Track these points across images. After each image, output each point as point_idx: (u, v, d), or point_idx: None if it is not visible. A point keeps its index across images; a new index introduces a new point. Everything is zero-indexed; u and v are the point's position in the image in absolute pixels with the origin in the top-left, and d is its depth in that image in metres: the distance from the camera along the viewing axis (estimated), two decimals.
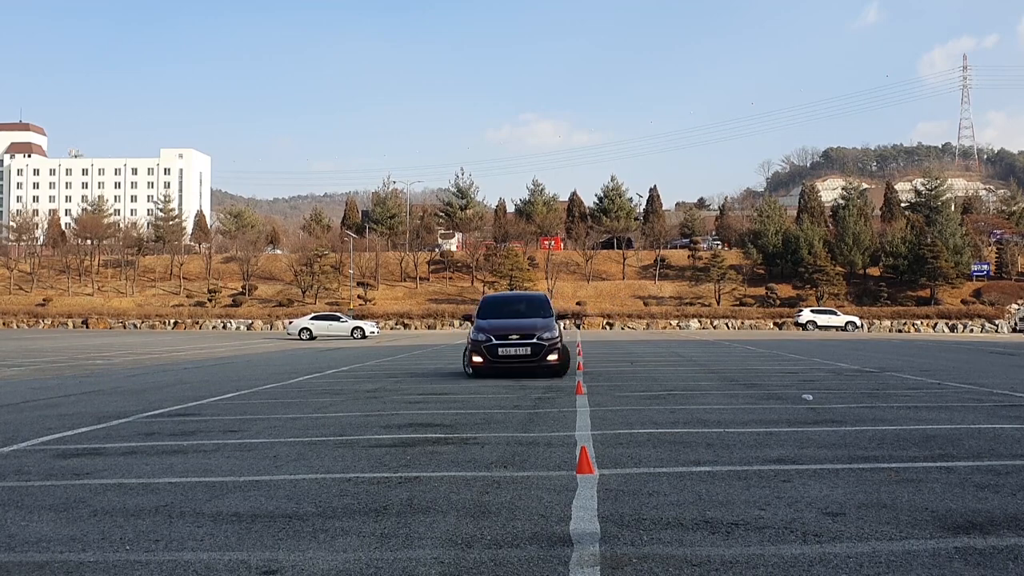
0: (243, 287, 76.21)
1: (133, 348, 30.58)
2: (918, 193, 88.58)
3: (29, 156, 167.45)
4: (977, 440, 7.55)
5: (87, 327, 67.83)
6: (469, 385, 13.99)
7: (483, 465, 6.48)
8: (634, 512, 4.92)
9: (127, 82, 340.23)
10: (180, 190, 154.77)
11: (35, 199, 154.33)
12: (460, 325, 65.84)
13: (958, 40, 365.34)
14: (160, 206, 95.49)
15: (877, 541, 4.31)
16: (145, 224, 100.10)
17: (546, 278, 74.02)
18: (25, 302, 75.14)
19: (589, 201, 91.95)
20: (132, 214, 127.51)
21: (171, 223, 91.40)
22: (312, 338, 41.96)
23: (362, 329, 44.09)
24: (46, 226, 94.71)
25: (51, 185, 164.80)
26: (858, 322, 60.39)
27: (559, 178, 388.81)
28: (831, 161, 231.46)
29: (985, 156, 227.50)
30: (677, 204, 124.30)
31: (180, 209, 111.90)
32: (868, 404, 10.60)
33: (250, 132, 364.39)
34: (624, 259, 79.40)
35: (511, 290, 70.80)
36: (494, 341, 14.50)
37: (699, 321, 65.06)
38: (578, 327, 61.88)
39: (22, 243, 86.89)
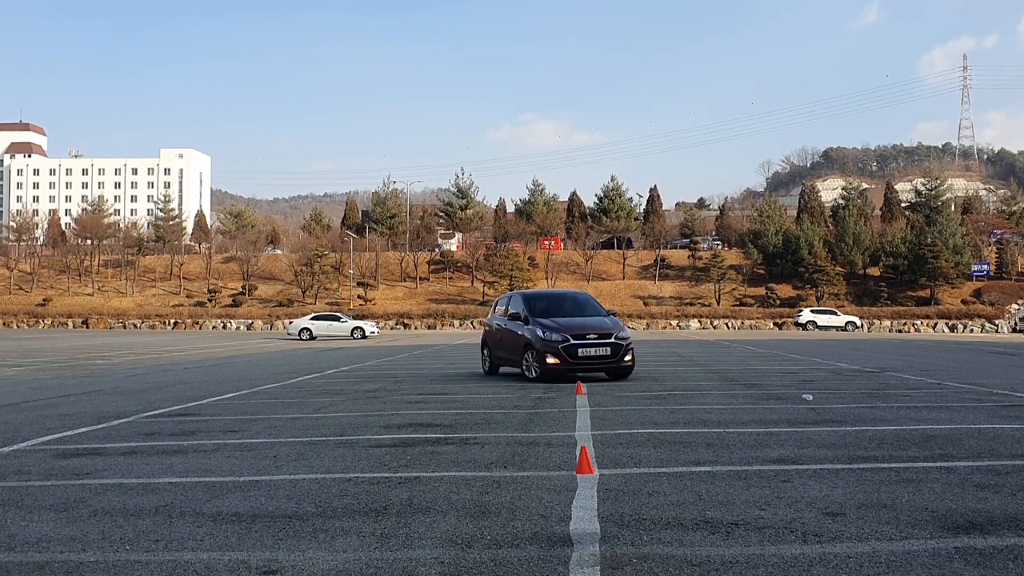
0: (243, 287, 76.22)
1: (133, 348, 30.59)
2: (918, 193, 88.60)
3: (29, 156, 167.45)
4: (977, 440, 7.55)
5: (87, 327, 67.84)
6: (469, 385, 14.00)
7: (483, 465, 6.48)
8: (634, 512, 4.92)
9: (127, 82, 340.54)
10: (180, 190, 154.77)
11: (35, 199, 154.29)
12: (460, 325, 65.85)
13: (958, 40, 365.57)
14: (160, 206, 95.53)
15: (877, 541, 4.31)
16: (145, 224, 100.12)
17: (546, 278, 74.01)
18: (25, 302, 75.16)
19: (589, 201, 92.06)
20: (132, 214, 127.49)
21: (171, 223, 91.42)
22: (312, 338, 41.97)
23: (362, 329, 44.10)
24: (46, 226, 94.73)
25: (51, 185, 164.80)
26: (858, 322, 60.40)
27: (559, 178, 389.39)
28: (831, 161, 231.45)
29: (985, 156, 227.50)
30: (677, 204, 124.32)
31: (180, 209, 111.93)
32: (868, 404, 10.60)
33: (250, 132, 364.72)
34: (624, 259, 79.42)
35: (511, 290, 70.88)
36: (572, 341, 13.75)
37: (699, 321, 65.06)
38: None
39: (22, 243, 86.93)
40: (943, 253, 67.39)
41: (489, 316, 17.18)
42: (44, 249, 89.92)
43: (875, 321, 63.43)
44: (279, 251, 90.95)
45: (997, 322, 62.42)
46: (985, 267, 71.75)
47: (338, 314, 48.41)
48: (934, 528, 4.55)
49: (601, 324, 14.57)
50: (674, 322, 65.00)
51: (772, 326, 64.18)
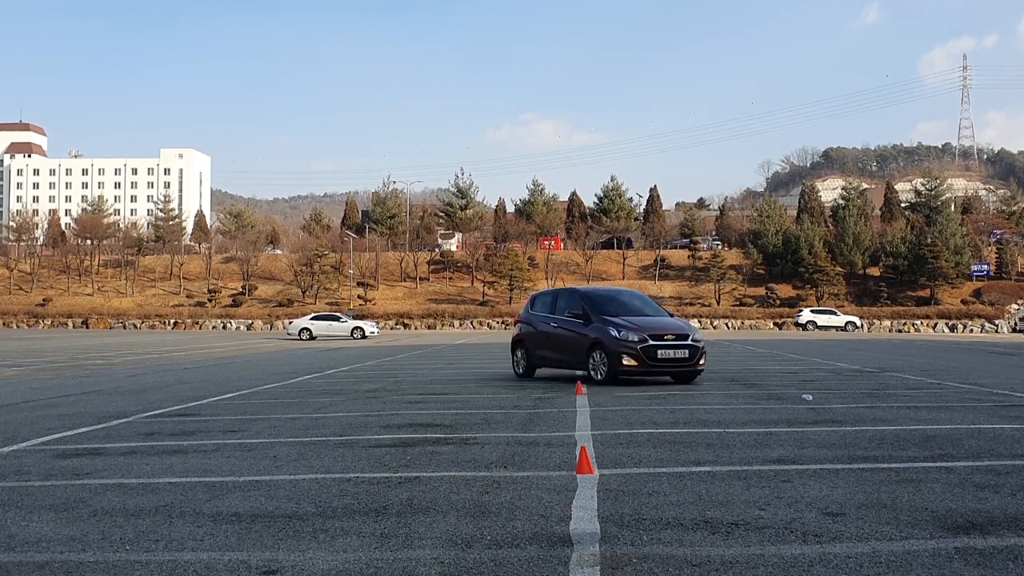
0: (243, 287, 76.22)
1: (133, 348, 30.59)
2: (918, 193, 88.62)
3: (29, 156, 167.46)
4: (977, 440, 7.55)
5: (87, 327, 67.85)
6: (468, 385, 14.00)
7: (483, 465, 6.48)
8: (634, 512, 4.92)
9: (127, 82, 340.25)
10: (180, 190, 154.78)
11: (35, 199, 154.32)
12: (460, 325, 65.87)
13: (958, 40, 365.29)
14: (160, 206, 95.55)
15: (877, 541, 4.31)
16: (145, 224, 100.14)
17: (546, 278, 74.02)
18: (25, 302, 75.17)
19: (589, 201, 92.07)
20: (132, 214, 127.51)
21: (171, 223, 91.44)
22: (312, 338, 41.97)
23: (362, 329, 44.10)
24: (46, 226, 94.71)
25: (51, 185, 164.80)
26: (858, 322, 60.42)
27: (559, 178, 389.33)
28: (831, 161, 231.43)
29: (985, 156, 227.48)
30: (677, 204, 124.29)
31: (180, 209, 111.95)
32: (868, 404, 10.61)
33: (250, 132, 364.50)
34: (624, 259, 79.43)
35: (511, 289, 70.88)
36: (651, 342, 13.07)
37: (699, 321, 65.06)
38: None
39: (22, 243, 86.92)
40: (943, 253, 67.41)
41: (524, 314, 16.22)
42: (44, 249, 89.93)
43: (875, 321, 63.44)
44: (279, 251, 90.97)
45: (997, 322, 62.43)
46: (985, 267, 71.76)
47: (338, 314, 48.41)
48: (934, 528, 4.55)
49: (677, 325, 14.05)
50: None
51: (772, 326, 64.19)
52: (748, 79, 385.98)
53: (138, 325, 67.96)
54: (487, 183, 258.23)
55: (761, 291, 71.03)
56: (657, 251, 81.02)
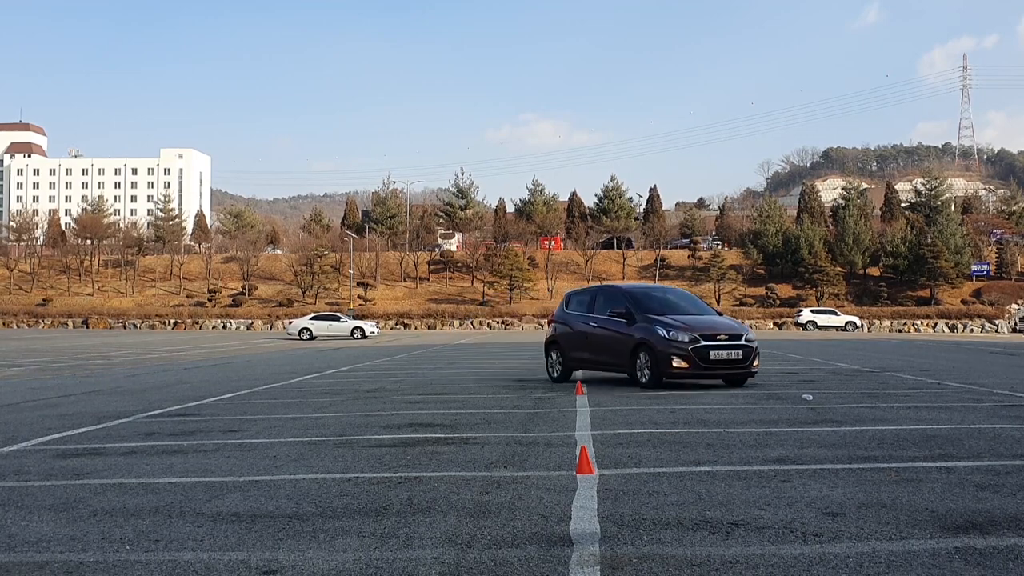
0: (243, 287, 76.23)
1: (133, 348, 30.59)
2: (918, 193, 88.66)
3: (29, 156, 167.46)
4: (977, 440, 7.55)
5: (87, 327, 67.86)
6: (468, 385, 14.00)
7: (483, 465, 6.48)
8: (634, 512, 4.92)
9: (127, 82, 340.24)
10: (180, 190, 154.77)
11: (35, 199, 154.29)
12: (460, 325, 65.87)
13: (958, 40, 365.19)
14: (160, 206, 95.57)
15: (877, 541, 4.31)
16: (145, 224, 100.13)
17: (546, 278, 74.06)
18: (25, 302, 75.18)
19: (589, 201, 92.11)
20: (132, 214, 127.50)
21: (171, 223, 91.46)
22: (312, 338, 41.97)
23: (362, 329, 44.10)
24: (46, 226, 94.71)
25: (51, 185, 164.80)
26: (858, 322, 60.43)
27: (559, 178, 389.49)
28: (831, 161, 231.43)
29: (985, 156, 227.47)
30: (677, 204, 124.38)
31: (180, 209, 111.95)
32: (868, 404, 10.61)
33: (250, 132, 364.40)
34: (624, 259, 79.44)
35: (511, 289, 70.85)
36: (702, 343, 12.32)
37: None
38: None
39: (22, 243, 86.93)
40: (943, 253, 67.43)
41: (558, 313, 15.31)
42: (44, 249, 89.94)
43: (875, 321, 63.46)
44: (279, 251, 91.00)
45: (997, 322, 62.44)
46: (985, 267, 71.77)
47: (338, 314, 48.41)
48: (934, 528, 4.54)
49: (728, 324, 13.31)
50: None
51: (772, 326, 64.20)
52: (748, 79, 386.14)
53: (138, 325, 67.97)
54: (487, 183, 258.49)
55: (761, 291, 71.05)
56: (657, 251, 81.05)
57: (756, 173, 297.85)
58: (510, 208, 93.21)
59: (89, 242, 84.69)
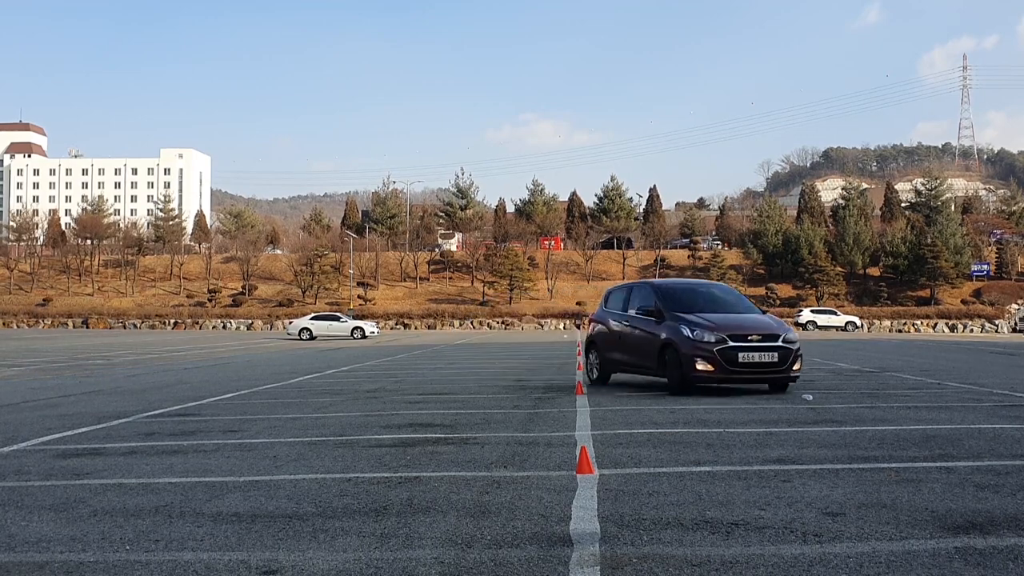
0: (243, 287, 76.23)
1: (133, 348, 30.59)
2: (918, 193, 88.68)
3: (29, 156, 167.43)
4: (977, 440, 7.55)
5: (87, 327, 67.86)
6: (468, 385, 13.99)
7: (483, 465, 6.48)
8: (634, 512, 4.92)
9: (127, 82, 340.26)
10: (180, 190, 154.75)
11: (35, 199, 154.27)
12: (460, 325, 65.86)
13: (958, 40, 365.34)
14: (160, 206, 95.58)
15: (877, 541, 4.31)
16: (145, 224, 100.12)
17: (546, 278, 74.05)
18: (25, 302, 75.16)
19: (589, 201, 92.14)
20: (132, 214, 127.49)
21: (171, 223, 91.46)
22: (312, 338, 41.97)
23: (362, 329, 44.10)
24: (46, 226, 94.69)
25: (51, 185, 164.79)
26: (858, 322, 60.43)
27: (559, 178, 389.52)
28: (831, 161, 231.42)
29: (985, 156, 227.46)
30: (677, 204, 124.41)
31: (180, 209, 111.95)
32: (868, 404, 10.61)
33: (250, 132, 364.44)
34: (624, 259, 79.45)
35: (511, 289, 70.82)
36: (730, 343, 11.26)
37: None
38: (578, 327, 61.88)
39: (22, 243, 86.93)
40: (943, 253, 67.42)
41: (598, 311, 14.50)
42: (44, 249, 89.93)
43: (875, 321, 63.45)
44: (279, 251, 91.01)
45: (997, 322, 62.43)
46: (985, 267, 71.77)
47: (338, 314, 48.40)
48: (934, 528, 4.54)
49: (763, 323, 12.08)
50: None
51: None
52: (748, 79, 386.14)
53: (138, 325, 67.96)
54: (487, 183, 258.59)
55: (761, 291, 71.01)
56: (657, 251, 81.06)
57: (756, 173, 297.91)
58: (510, 208, 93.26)
59: (89, 242, 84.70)
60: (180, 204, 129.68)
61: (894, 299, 68.72)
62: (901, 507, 5.01)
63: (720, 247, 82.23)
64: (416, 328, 64.74)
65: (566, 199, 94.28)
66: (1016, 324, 61.90)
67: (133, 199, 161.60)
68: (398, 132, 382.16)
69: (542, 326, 65.60)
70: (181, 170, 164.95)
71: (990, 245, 76.93)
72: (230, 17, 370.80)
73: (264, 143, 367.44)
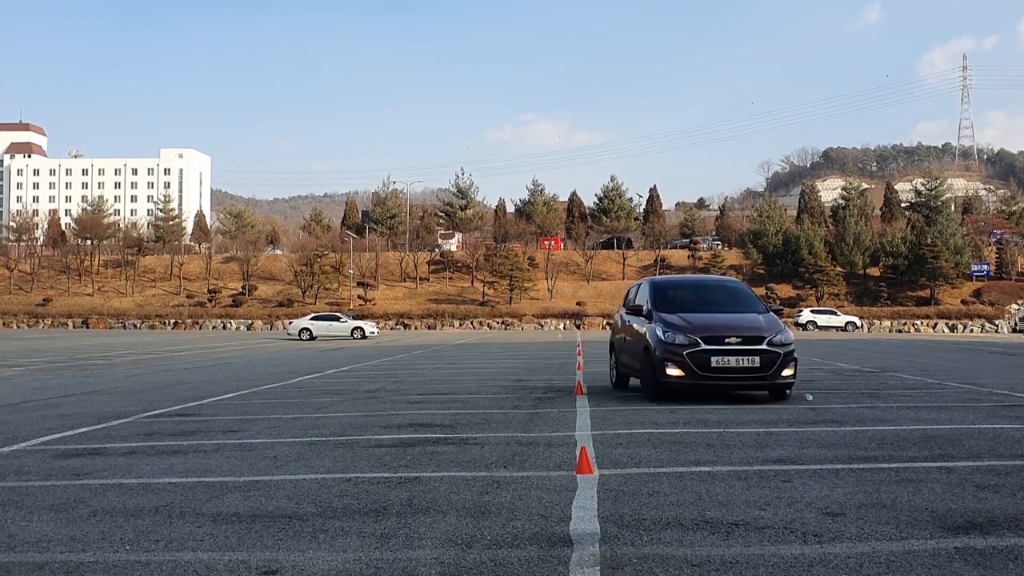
0: (243, 287, 76.21)
1: (133, 348, 30.59)
2: (918, 193, 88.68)
3: (29, 156, 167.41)
4: (977, 440, 7.55)
5: (87, 327, 67.85)
6: (468, 385, 13.99)
7: (483, 465, 6.48)
8: (634, 512, 4.92)
9: (127, 82, 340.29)
10: (180, 190, 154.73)
11: (35, 199, 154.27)
12: (460, 325, 65.85)
13: (958, 40, 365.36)
14: (160, 206, 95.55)
15: (877, 541, 4.31)
16: (145, 224, 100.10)
17: (546, 278, 74.03)
18: (25, 302, 75.15)
19: (589, 201, 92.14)
20: (132, 214, 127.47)
21: (171, 223, 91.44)
22: (312, 338, 41.95)
23: (362, 329, 44.08)
24: (46, 226, 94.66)
25: (51, 185, 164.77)
26: (858, 322, 60.42)
27: (559, 178, 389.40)
28: (831, 161, 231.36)
29: (985, 156, 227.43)
30: (677, 204, 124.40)
31: (180, 209, 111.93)
32: (868, 404, 10.61)
33: (250, 132, 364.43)
34: (624, 259, 79.44)
35: (511, 289, 70.82)
36: (703, 346, 10.20)
37: None
38: (578, 327, 61.87)
39: (22, 243, 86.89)
40: (943, 253, 67.41)
41: (619, 311, 13.63)
42: (44, 249, 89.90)
43: (875, 321, 63.44)
44: (279, 251, 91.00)
45: (997, 322, 62.42)
46: (985, 267, 71.76)
47: (338, 314, 48.38)
48: (934, 528, 4.55)
49: (749, 323, 10.85)
50: None
51: None
52: (748, 79, 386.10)
53: (138, 325, 67.95)
54: (487, 183, 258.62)
55: (761, 291, 70.89)
56: (657, 251, 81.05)
57: (756, 173, 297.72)
58: (510, 208, 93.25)
59: (89, 242, 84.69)
60: (180, 204, 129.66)
61: (894, 299, 68.71)
62: (901, 507, 5.01)
63: (720, 247, 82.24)
64: (416, 328, 64.74)
65: (566, 199, 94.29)
66: (1016, 324, 61.90)
67: (133, 199, 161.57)
68: (398, 132, 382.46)
69: (542, 326, 65.59)
70: (181, 170, 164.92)
71: (990, 245, 76.93)
72: (230, 17, 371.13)
73: (264, 143, 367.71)
